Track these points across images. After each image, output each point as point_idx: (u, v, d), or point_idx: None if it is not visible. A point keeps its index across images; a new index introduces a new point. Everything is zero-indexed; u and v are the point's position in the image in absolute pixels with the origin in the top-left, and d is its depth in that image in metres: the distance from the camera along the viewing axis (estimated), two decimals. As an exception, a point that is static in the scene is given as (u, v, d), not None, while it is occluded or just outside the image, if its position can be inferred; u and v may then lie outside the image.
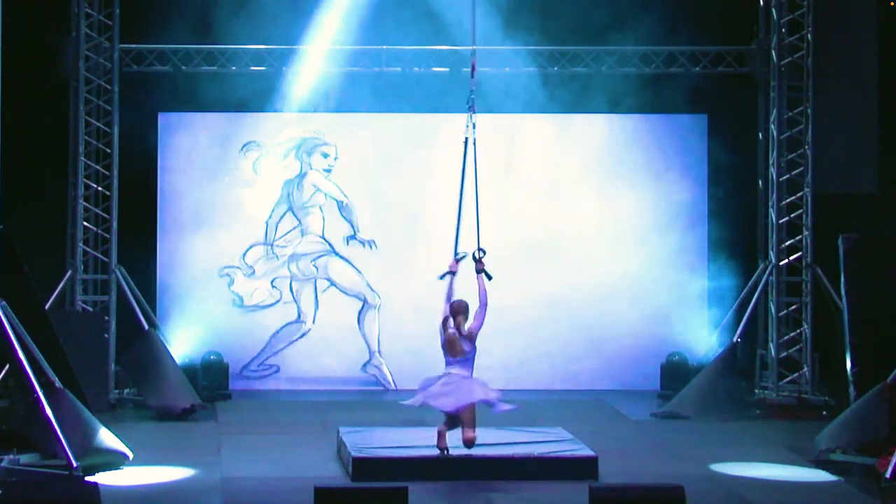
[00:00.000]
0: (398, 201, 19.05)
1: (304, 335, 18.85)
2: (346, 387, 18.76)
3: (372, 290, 18.88)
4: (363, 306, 18.95)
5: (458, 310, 13.72)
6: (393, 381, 18.83)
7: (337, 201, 18.86)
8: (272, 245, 18.70)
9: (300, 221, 18.88)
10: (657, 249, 19.11)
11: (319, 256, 18.90)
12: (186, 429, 16.43)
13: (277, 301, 18.82)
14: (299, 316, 18.88)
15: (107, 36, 17.96)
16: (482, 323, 13.72)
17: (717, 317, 18.86)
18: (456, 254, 13.98)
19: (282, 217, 18.89)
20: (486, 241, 18.22)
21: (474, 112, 14.25)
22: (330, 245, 18.94)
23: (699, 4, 18.71)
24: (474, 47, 14.69)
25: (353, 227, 18.82)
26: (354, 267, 18.94)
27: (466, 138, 14.18)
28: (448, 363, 13.70)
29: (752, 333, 18.64)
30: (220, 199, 18.90)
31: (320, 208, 18.96)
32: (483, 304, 13.72)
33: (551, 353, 19.00)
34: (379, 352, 18.89)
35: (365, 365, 18.93)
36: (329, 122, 19.03)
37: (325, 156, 18.90)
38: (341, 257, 18.95)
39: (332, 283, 18.92)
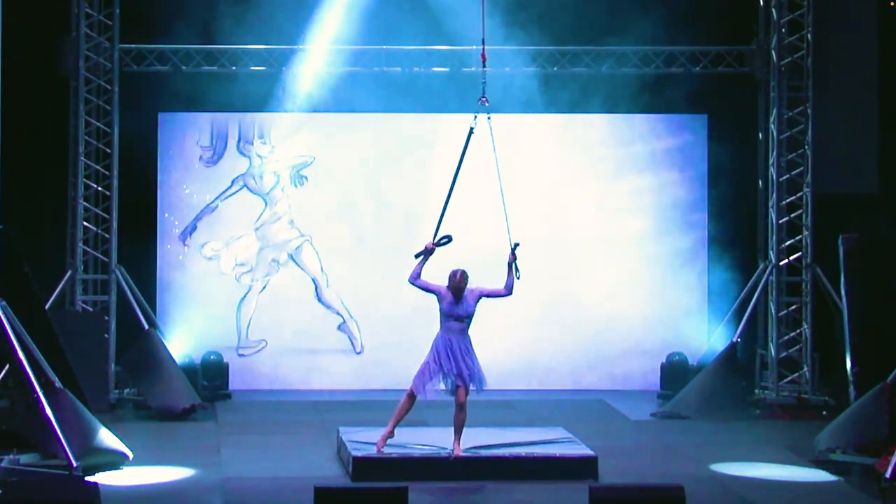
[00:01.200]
0: (398, 201, 19.05)
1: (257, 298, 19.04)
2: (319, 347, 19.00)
3: (323, 273, 18.97)
4: (316, 289, 18.99)
5: (461, 280, 13.77)
6: (361, 344, 18.94)
7: (296, 165, 18.95)
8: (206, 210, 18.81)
9: (267, 204, 18.97)
10: (657, 249, 19.13)
11: (290, 241, 18.99)
12: (186, 429, 16.43)
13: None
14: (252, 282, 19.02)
15: (107, 36, 17.96)
16: (491, 295, 13.84)
17: (717, 317, 18.86)
18: (435, 237, 13.98)
19: (232, 194, 18.93)
20: (487, 240, 18.39)
21: (486, 102, 14.25)
22: (301, 233, 19.02)
23: (699, 4, 18.70)
24: (483, 45, 14.62)
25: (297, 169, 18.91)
26: (318, 256, 18.98)
27: (472, 128, 14.18)
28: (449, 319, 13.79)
29: (752, 333, 18.65)
30: (221, 198, 18.91)
31: (283, 189, 18.98)
32: (507, 288, 13.86)
33: (551, 353, 19.01)
34: (351, 316, 18.99)
35: (340, 325, 19.00)
36: (329, 122, 19.03)
37: (265, 143, 18.92)
38: (312, 246, 19.01)
39: (294, 259, 18.97)
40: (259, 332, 18.96)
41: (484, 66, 14.43)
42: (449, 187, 14.17)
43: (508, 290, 13.90)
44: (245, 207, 19.01)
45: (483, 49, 14.50)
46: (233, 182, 18.95)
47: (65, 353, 14.80)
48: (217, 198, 18.90)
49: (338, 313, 19.05)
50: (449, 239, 13.98)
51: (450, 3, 17.31)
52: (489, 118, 14.16)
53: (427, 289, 13.85)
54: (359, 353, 19.06)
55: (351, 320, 19.06)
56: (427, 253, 13.88)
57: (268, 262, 18.95)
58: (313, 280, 19.04)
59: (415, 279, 13.82)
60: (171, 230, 18.91)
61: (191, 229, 18.87)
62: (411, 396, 13.81)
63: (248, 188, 18.98)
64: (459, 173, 14.18)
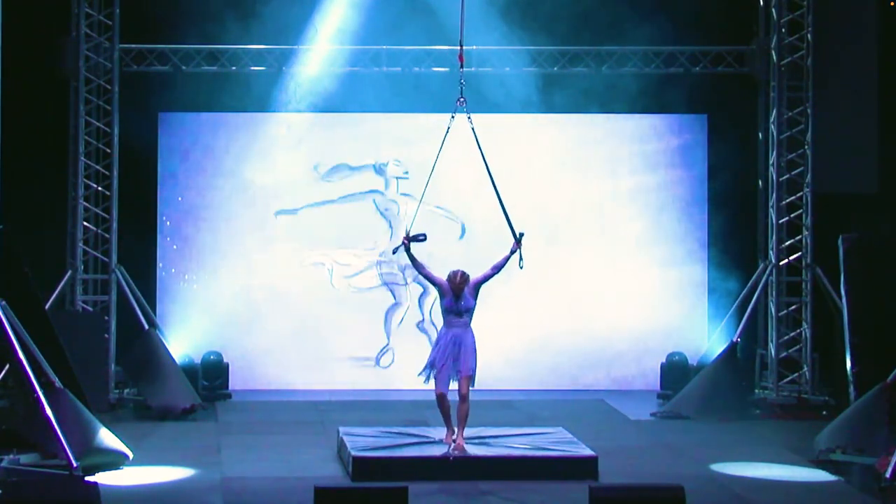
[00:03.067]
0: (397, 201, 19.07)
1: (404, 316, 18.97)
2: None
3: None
4: (394, 304, 19.04)
5: (461, 282, 13.90)
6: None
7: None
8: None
9: (392, 229, 18.96)
10: (657, 249, 19.12)
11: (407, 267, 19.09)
12: (186, 429, 16.43)
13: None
14: (397, 299, 19.00)
15: (107, 36, 17.96)
16: (483, 279, 13.94)
17: (717, 317, 18.86)
18: (409, 232, 14.03)
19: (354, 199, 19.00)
20: (486, 241, 18.41)
21: (464, 102, 14.30)
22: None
23: (699, 4, 18.69)
24: (462, 45, 14.63)
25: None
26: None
27: (448, 128, 14.23)
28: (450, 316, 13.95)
29: (752, 333, 18.65)
30: (221, 198, 18.91)
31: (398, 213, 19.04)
32: (495, 267, 13.94)
33: (551, 353, 19.00)
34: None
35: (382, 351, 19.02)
36: (329, 122, 19.02)
37: (398, 164, 18.95)
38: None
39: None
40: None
41: (462, 67, 14.47)
42: (425, 184, 14.26)
43: (496, 269, 13.96)
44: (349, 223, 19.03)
45: (461, 51, 14.53)
46: (368, 192, 18.92)
47: (65, 353, 14.81)
48: (344, 197, 18.87)
49: None
50: (423, 237, 14.04)
51: (450, 3, 17.28)
52: (469, 118, 14.20)
53: (431, 279, 14.05)
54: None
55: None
56: (404, 248, 13.93)
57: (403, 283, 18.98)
58: (398, 300, 19.07)
59: (420, 268, 14.00)
60: (172, 230, 18.89)
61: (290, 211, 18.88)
62: (442, 396, 13.90)
63: (376, 206, 18.95)
64: (433, 172, 14.31)
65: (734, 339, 17.95)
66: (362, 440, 14.17)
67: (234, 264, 18.89)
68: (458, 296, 13.85)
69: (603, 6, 18.47)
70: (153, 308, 18.48)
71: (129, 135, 18.20)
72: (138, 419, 16.91)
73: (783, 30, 18.32)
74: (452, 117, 14.25)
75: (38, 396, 13.57)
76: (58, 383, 14.03)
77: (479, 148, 14.22)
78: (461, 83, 14.34)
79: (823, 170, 18.28)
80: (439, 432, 14.39)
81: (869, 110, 18.47)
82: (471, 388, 13.91)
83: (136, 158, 18.46)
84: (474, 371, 13.90)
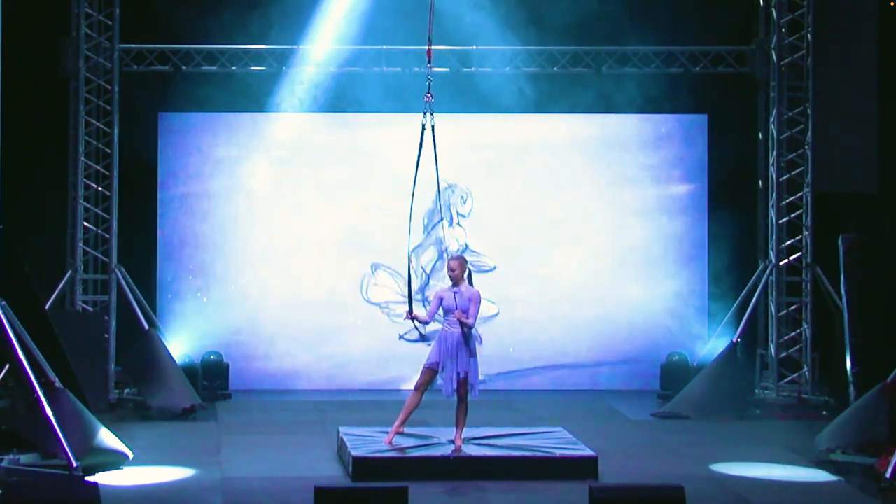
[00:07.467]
0: (397, 202, 19.03)
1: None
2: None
3: None
4: None
5: (459, 267, 13.95)
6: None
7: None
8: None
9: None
10: (657, 249, 19.12)
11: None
12: (186, 429, 16.43)
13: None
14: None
15: (107, 36, 17.96)
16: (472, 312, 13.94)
17: (717, 317, 18.86)
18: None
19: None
20: (486, 241, 18.40)
21: (432, 99, 14.32)
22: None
23: (699, 4, 18.70)
24: (430, 43, 14.63)
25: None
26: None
27: (423, 125, 14.23)
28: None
29: (752, 333, 18.65)
30: (221, 198, 18.91)
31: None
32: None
33: (552, 353, 19.00)
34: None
35: None
36: (330, 123, 19.03)
37: (464, 201, 18.98)
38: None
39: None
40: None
41: (429, 62, 14.49)
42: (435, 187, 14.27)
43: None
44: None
45: (429, 48, 14.54)
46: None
47: (65, 353, 14.80)
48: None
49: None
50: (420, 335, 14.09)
51: (450, 3, 17.30)
52: (432, 115, 14.21)
53: (437, 310, 14.10)
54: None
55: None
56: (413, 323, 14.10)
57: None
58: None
59: (429, 321, 14.10)
60: (172, 230, 18.89)
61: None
62: (419, 391, 13.96)
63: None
64: (439, 171, 14.26)
65: (734, 339, 17.95)
66: (362, 440, 14.17)
67: (233, 264, 18.90)
68: (456, 288, 13.83)
69: (603, 6, 18.45)
70: (153, 308, 18.48)
71: (129, 135, 18.20)
72: (138, 419, 16.91)
73: (783, 30, 18.33)
74: (424, 114, 14.26)
75: (38, 396, 13.57)
76: (58, 383, 14.02)
77: (434, 149, 14.20)
78: (429, 79, 14.34)
79: (823, 170, 18.28)
80: (440, 432, 14.38)
81: (869, 110, 18.46)
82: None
83: (136, 158, 18.46)
84: (476, 377, 13.92)
